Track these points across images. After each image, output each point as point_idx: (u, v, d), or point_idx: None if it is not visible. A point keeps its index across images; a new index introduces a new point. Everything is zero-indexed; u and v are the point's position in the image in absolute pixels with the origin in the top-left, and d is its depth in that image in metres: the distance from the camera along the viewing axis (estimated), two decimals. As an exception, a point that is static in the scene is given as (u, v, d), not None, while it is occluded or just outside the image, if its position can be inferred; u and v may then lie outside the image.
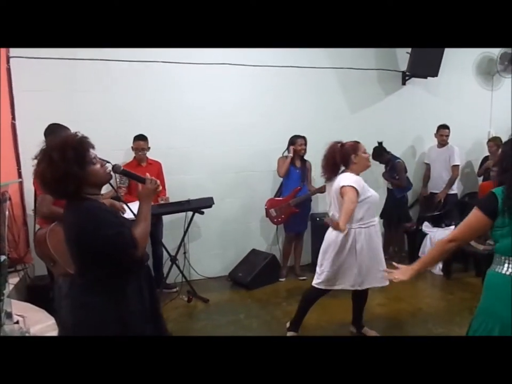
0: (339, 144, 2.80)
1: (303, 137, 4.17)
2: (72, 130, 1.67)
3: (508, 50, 5.04)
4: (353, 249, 2.75)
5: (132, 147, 3.80)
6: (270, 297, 3.91)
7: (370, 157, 3.15)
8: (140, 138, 3.77)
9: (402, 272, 1.82)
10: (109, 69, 3.84)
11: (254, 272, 4.11)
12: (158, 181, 1.74)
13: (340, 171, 2.80)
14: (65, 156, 1.50)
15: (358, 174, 2.76)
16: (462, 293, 3.96)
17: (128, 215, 1.93)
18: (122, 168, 1.80)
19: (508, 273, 1.60)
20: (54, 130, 2.58)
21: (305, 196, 4.21)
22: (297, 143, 4.15)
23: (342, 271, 2.79)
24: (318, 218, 4.53)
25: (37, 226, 2.69)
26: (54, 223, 2.22)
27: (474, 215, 1.69)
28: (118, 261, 1.57)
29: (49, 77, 3.66)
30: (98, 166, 1.62)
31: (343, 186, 2.66)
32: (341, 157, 2.76)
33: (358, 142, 2.84)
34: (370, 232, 2.78)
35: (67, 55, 3.65)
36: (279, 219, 4.24)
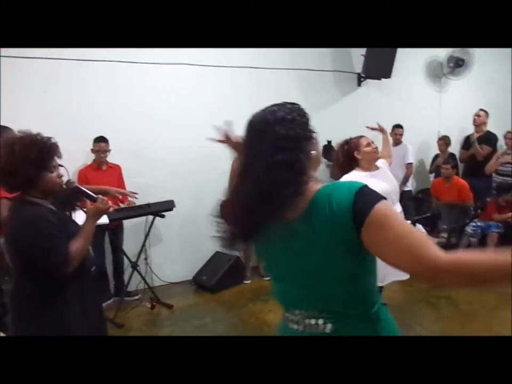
0: (344, 142, 2.71)
1: None
2: (29, 130, 1.60)
3: (454, 53, 5.34)
4: None
5: (92, 149, 3.65)
6: (236, 299, 3.88)
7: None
8: (101, 140, 3.63)
9: None
10: (66, 68, 3.66)
11: (218, 275, 4.07)
12: (110, 202, 1.74)
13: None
14: (28, 152, 1.49)
15: (369, 170, 2.63)
16: (419, 284, 4.12)
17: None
18: (75, 184, 1.80)
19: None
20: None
21: None
22: None
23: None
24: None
25: None
26: None
27: None
28: (48, 271, 1.54)
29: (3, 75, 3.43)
30: (54, 175, 1.61)
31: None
32: (343, 157, 2.65)
33: (361, 137, 2.73)
34: None
35: (24, 54, 3.43)
36: None
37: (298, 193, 0.98)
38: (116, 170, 3.79)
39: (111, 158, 3.78)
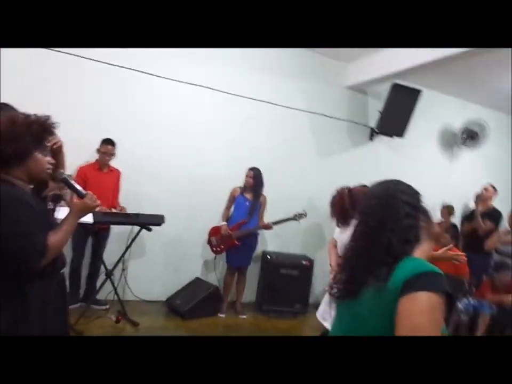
0: (347, 190, 2.71)
1: (252, 169, 4.05)
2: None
3: (468, 125, 5.38)
4: None
5: (98, 149, 3.64)
6: (206, 330, 3.67)
7: None
8: (109, 142, 3.63)
9: None
10: (86, 67, 3.71)
11: (193, 302, 3.88)
12: (99, 202, 1.63)
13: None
14: (28, 127, 1.43)
15: None
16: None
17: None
18: (64, 175, 1.66)
19: None
20: (1, 109, 2.38)
21: (248, 230, 4.02)
22: (246, 174, 4.08)
23: None
24: (269, 257, 4.42)
25: None
26: None
27: None
28: (18, 263, 1.40)
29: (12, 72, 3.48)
30: (45, 158, 1.51)
31: None
32: (350, 204, 2.64)
33: (365, 186, 2.76)
34: None
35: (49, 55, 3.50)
36: (218, 249, 4.10)
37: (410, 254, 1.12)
38: (115, 174, 3.76)
39: (116, 163, 3.77)
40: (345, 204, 2.66)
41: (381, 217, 1.16)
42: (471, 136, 5.37)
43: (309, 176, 4.78)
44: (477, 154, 5.62)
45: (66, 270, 1.72)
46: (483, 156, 5.66)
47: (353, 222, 2.57)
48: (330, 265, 2.87)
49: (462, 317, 4.46)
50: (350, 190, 2.72)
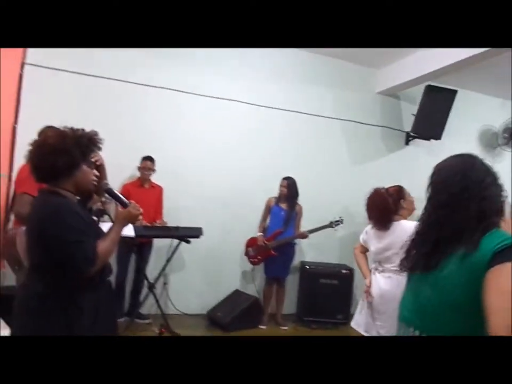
0: (385, 190, 2.63)
1: (287, 179, 4.06)
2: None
3: (509, 124, 5.15)
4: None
5: (139, 167, 3.81)
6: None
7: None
8: (148, 159, 3.81)
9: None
10: (124, 89, 3.90)
11: (233, 314, 3.89)
12: (142, 210, 1.67)
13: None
14: (76, 140, 1.51)
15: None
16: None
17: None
18: (108, 186, 1.75)
19: None
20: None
21: (284, 240, 4.01)
22: (280, 183, 4.09)
23: None
24: (307, 267, 4.37)
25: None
26: None
27: None
28: (71, 270, 1.46)
29: (59, 88, 3.70)
30: (91, 171, 1.59)
31: None
32: (394, 203, 2.56)
33: (401, 186, 2.70)
34: None
35: (84, 70, 3.72)
36: (255, 259, 4.10)
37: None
38: (157, 190, 3.89)
39: (155, 179, 3.89)
40: (389, 204, 2.55)
41: (466, 184, 1.15)
42: (512, 135, 5.15)
43: (344, 184, 4.72)
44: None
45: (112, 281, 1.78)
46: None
47: (393, 226, 2.53)
48: (364, 275, 2.72)
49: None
50: (387, 190, 2.62)
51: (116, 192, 1.72)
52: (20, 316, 1.54)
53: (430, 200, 1.24)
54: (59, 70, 3.66)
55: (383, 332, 2.46)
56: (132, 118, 3.96)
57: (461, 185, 1.16)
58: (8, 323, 2.35)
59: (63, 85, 3.70)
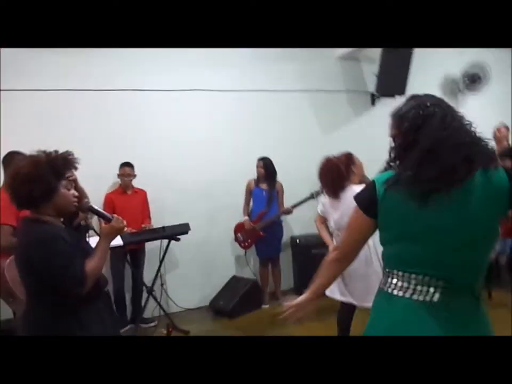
0: (335, 158, 2.66)
1: (262, 159, 4.10)
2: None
3: (469, 69, 5.27)
4: (376, 255, 2.54)
5: (118, 174, 3.77)
6: (254, 325, 3.75)
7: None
8: (126, 165, 3.77)
9: (299, 308, 1.43)
10: (91, 98, 3.81)
11: (235, 300, 3.96)
12: (125, 222, 1.70)
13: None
14: (50, 165, 1.51)
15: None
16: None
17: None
18: (89, 204, 1.79)
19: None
20: (13, 158, 2.46)
21: (271, 220, 4.07)
22: (257, 165, 4.12)
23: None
24: (297, 241, 4.46)
25: None
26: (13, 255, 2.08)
27: (353, 213, 1.28)
28: (62, 294, 1.50)
29: (36, 106, 3.61)
30: (69, 193, 1.60)
31: None
32: (346, 169, 2.61)
33: (350, 153, 2.74)
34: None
35: (53, 86, 3.63)
36: (246, 243, 4.16)
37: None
38: (141, 195, 3.88)
39: (137, 183, 3.86)
40: (341, 171, 2.59)
41: (443, 128, 1.16)
42: (473, 79, 5.27)
43: (319, 154, 4.76)
44: (483, 97, 5.51)
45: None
46: (489, 97, 5.55)
47: (345, 194, 2.56)
48: (327, 244, 2.84)
49: (500, 259, 4.44)
50: (338, 158, 2.66)
51: (97, 208, 1.77)
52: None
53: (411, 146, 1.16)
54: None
55: (358, 294, 2.57)
56: (100, 127, 3.87)
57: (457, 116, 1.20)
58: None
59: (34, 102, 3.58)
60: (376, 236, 1.28)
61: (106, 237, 1.65)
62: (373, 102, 5.07)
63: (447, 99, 5.08)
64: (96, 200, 1.87)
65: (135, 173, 3.81)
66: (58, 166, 1.55)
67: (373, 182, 1.24)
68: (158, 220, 3.83)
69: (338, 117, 4.94)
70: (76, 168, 1.63)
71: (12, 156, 2.54)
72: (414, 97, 1.26)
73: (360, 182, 2.65)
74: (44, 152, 1.56)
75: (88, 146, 3.61)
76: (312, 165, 4.77)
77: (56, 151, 1.57)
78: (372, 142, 5.02)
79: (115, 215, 1.69)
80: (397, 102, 5.08)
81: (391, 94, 4.85)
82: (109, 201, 3.71)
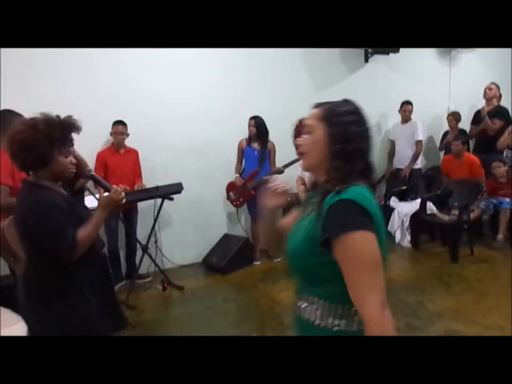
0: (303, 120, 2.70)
1: (253, 118, 4.07)
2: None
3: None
4: None
5: (111, 132, 3.73)
6: (246, 280, 3.89)
7: None
8: (119, 123, 3.72)
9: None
10: (77, 56, 3.60)
11: (228, 257, 4.08)
12: (123, 194, 1.69)
13: None
14: (48, 130, 1.49)
15: None
16: (431, 262, 4.11)
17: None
18: (91, 172, 1.79)
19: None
20: (6, 116, 2.40)
21: (261, 179, 4.02)
22: (248, 124, 4.08)
23: None
24: (288, 199, 4.52)
25: None
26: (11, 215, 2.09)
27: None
28: (54, 258, 1.53)
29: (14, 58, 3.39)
30: (68, 159, 1.59)
31: None
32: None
33: None
34: None
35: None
36: (238, 202, 4.22)
37: None
38: (133, 154, 3.85)
39: (129, 144, 3.82)
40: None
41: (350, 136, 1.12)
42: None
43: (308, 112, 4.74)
44: (476, 54, 5.46)
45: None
46: (482, 54, 5.50)
47: None
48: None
49: (484, 216, 4.62)
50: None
51: (98, 177, 1.79)
52: (26, 305, 1.63)
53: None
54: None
55: None
56: (93, 86, 3.74)
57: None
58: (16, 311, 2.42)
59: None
60: None
61: (103, 207, 1.66)
62: (366, 59, 4.99)
63: (440, 57, 5.06)
64: (88, 158, 1.85)
65: (128, 132, 3.75)
66: (57, 132, 1.52)
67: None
68: (150, 180, 3.83)
69: (332, 74, 4.87)
70: (78, 132, 1.60)
71: (5, 114, 2.47)
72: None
73: None
74: (44, 116, 1.53)
75: (79, 104, 3.52)
76: (305, 123, 4.79)
77: (57, 116, 1.55)
78: (364, 99, 4.95)
79: (114, 186, 1.70)
80: (391, 59, 5.06)
81: (385, 51, 4.78)
82: (101, 159, 3.68)
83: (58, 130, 1.52)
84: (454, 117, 5.16)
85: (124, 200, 1.73)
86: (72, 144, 1.64)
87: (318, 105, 1.14)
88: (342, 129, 1.06)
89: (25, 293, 1.63)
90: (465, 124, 5.27)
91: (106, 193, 1.72)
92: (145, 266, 3.85)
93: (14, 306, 2.46)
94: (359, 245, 0.94)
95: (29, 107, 2.54)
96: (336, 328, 1.04)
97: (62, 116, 1.56)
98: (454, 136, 4.92)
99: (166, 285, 3.71)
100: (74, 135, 1.62)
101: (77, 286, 1.59)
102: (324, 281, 1.05)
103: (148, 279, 3.89)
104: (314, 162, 1.11)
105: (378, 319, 0.92)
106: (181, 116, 4.14)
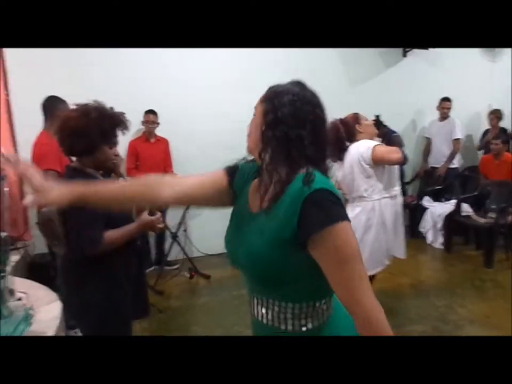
0: (338, 120, 2.65)
1: None
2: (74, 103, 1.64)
3: (511, 20, 4.94)
4: (380, 224, 2.57)
5: (142, 121, 3.81)
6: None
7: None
8: (150, 112, 3.81)
9: None
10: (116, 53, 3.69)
11: (255, 248, 4.09)
12: (162, 225, 1.77)
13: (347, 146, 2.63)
14: (101, 120, 1.53)
15: None
16: (463, 265, 3.98)
17: None
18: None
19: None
20: (51, 102, 2.50)
21: None
22: None
23: (374, 252, 2.58)
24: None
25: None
26: None
27: None
28: (75, 248, 1.56)
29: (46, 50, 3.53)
30: (111, 151, 1.64)
31: (375, 147, 2.49)
32: (345, 131, 2.61)
33: (356, 113, 2.73)
34: (396, 202, 2.64)
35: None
36: None
37: None
38: (163, 143, 3.93)
39: (159, 132, 3.89)
40: (340, 133, 2.58)
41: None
42: (514, 30, 4.94)
43: (346, 107, 4.65)
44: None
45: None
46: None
47: (352, 147, 2.56)
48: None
49: None
50: (341, 120, 2.64)
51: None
52: (65, 285, 1.70)
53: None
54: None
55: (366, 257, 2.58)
56: (127, 76, 3.84)
57: None
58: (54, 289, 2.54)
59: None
60: None
61: (141, 227, 1.67)
62: (404, 54, 4.85)
63: (482, 52, 4.81)
64: (120, 147, 1.90)
65: (159, 121, 3.82)
66: (107, 125, 1.56)
67: None
68: (180, 169, 3.89)
69: (368, 69, 4.77)
70: (126, 129, 1.63)
71: (50, 100, 2.57)
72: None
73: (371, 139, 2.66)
74: (97, 104, 1.57)
75: (111, 93, 3.61)
76: (340, 117, 4.72)
77: (111, 109, 1.59)
78: (401, 94, 4.87)
79: (158, 213, 1.72)
80: (430, 54, 4.91)
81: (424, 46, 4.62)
82: (132, 148, 3.78)
83: (109, 121, 1.56)
84: (496, 115, 4.95)
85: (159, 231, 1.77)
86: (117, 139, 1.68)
87: (269, 87, 1.07)
88: (276, 110, 0.97)
89: (65, 275, 1.70)
90: (506, 122, 5.04)
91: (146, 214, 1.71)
92: (173, 254, 3.93)
93: (50, 284, 2.60)
94: (346, 235, 0.88)
95: (65, 92, 2.66)
96: (304, 328, 0.99)
97: (113, 110, 1.60)
98: (495, 135, 4.72)
99: (193, 273, 3.78)
100: None
101: (112, 269, 1.63)
102: (290, 282, 0.96)
103: (175, 266, 3.97)
104: (253, 145, 1.03)
105: (378, 306, 0.88)
106: (212, 106, 4.16)
